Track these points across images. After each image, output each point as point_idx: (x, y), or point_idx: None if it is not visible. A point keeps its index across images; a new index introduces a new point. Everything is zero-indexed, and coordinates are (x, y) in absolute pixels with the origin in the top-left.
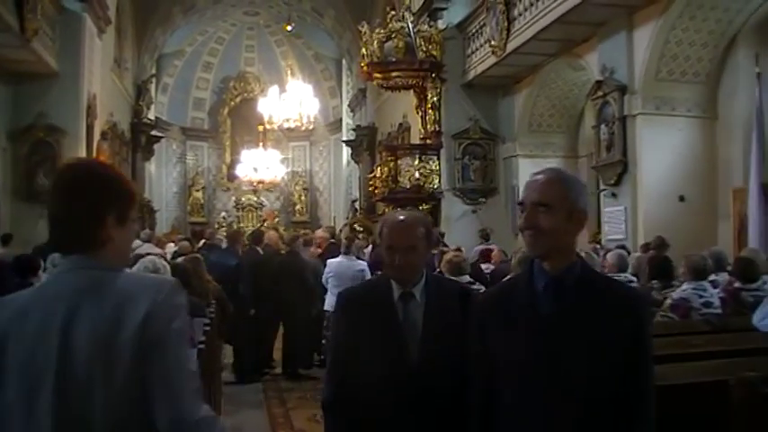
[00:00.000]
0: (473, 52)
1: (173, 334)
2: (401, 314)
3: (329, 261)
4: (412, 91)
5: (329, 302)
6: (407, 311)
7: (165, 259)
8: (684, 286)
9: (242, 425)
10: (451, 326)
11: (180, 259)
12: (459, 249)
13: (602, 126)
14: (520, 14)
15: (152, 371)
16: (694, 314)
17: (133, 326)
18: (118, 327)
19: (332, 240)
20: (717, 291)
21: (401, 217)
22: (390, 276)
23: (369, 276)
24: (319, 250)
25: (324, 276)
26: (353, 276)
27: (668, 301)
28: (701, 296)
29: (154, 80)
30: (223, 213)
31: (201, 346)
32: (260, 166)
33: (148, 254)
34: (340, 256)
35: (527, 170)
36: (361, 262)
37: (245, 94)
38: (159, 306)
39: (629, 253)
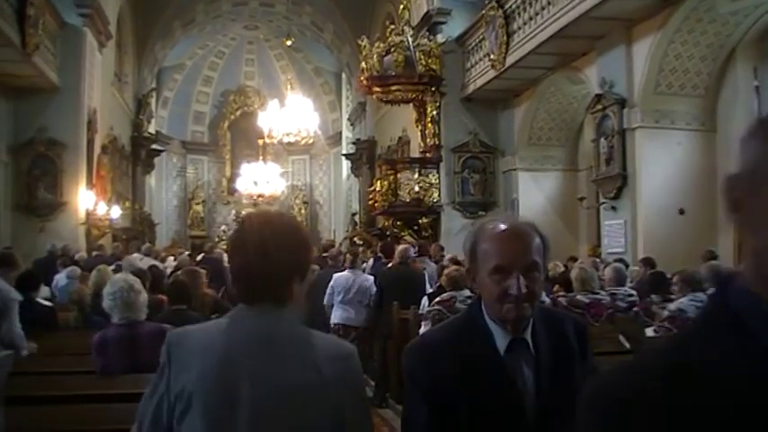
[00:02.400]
0: (472, 66)
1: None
2: (512, 372)
3: (335, 275)
4: (411, 105)
5: (339, 316)
6: (519, 368)
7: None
8: (681, 298)
9: None
10: (572, 380)
11: (181, 271)
12: (457, 262)
13: (602, 139)
14: (519, 28)
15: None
16: None
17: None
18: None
19: (323, 254)
20: None
21: (508, 224)
22: (493, 316)
23: (374, 290)
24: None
25: (328, 291)
26: (361, 290)
27: (665, 313)
28: (697, 308)
29: (154, 94)
30: (223, 227)
31: None
32: (260, 179)
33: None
34: (346, 271)
35: (527, 184)
36: (368, 276)
37: (245, 108)
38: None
39: (627, 266)
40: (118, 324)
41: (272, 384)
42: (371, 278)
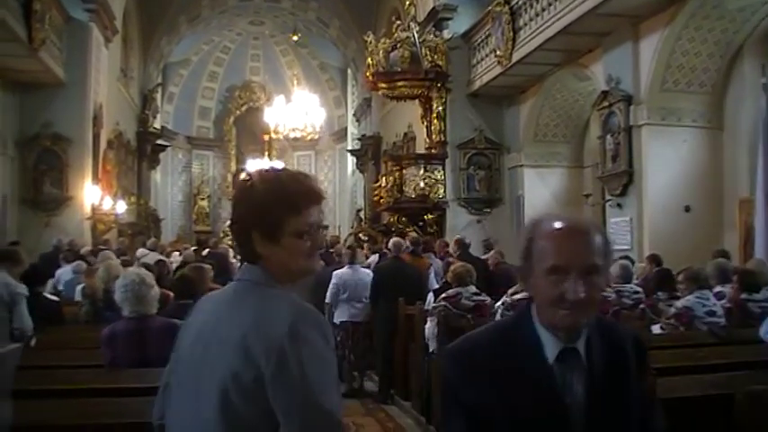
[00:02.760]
0: (478, 62)
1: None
2: (560, 384)
3: (336, 273)
4: (417, 101)
5: (346, 313)
6: (568, 381)
7: (166, 266)
8: (687, 296)
9: None
10: (625, 399)
11: (188, 267)
12: (463, 245)
13: (608, 136)
14: (525, 24)
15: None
16: (698, 323)
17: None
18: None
19: (329, 250)
20: (723, 301)
21: (568, 220)
22: (545, 321)
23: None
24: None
25: (332, 289)
26: (361, 285)
27: (672, 310)
28: (703, 305)
29: (160, 89)
30: (228, 222)
31: None
32: None
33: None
34: (345, 267)
35: (532, 180)
36: (367, 271)
37: (251, 104)
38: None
39: (633, 263)
40: (128, 318)
41: (205, 342)
42: (370, 273)
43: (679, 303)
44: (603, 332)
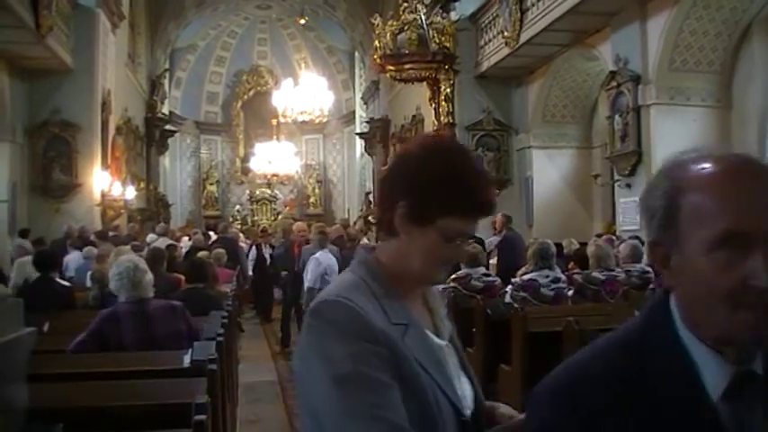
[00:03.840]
0: (486, 44)
1: None
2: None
3: (315, 257)
4: (425, 83)
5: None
6: (748, 424)
7: (177, 251)
8: None
9: (259, 417)
10: None
11: (203, 254)
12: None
13: (616, 116)
14: (533, 5)
15: None
16: None
17: None
18: None
19: (340, 235)
20: None
21: (742, 160)
22: (705, 331)
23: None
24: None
25: (316, 273)
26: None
27: None
28: None
29: (167, 75)
30: (237, 207)
31: (220, 338)
32: (274, 159)
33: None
34: (319, 252)
35: (541, 161)
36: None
37: (258, 88)
38: None
39: (643, 243)
40: (127, 302)
41: None
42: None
43: None
44: None
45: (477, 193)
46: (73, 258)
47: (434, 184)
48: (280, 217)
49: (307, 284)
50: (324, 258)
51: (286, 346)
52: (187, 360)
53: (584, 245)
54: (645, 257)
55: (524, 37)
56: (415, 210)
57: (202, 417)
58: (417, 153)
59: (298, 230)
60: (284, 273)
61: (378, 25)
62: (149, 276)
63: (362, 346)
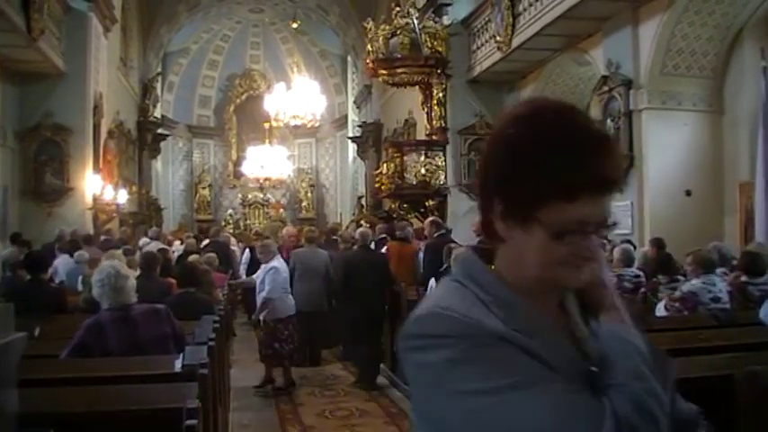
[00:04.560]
0: (478, 48)
1: None
2: None
3: (273, 265)
4: (417, 87)
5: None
6: None
7: (168, 255)
8: (694, 280)
9: (251, 421)
10: None
11: (194, 257)
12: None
13: (608, 121)
14: (525, 10)
15: None
16: (702, 309)
17: None
18: None
19: (333, 237)
20: (723, 285)
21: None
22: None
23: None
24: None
25: (275, 281)
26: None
27: (677, 293)
28: (709, 291)
29: (159, 78)
30: (230, 211)
31: (211, 343)
32: (266, 163)
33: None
34: (276, 260)
35: None
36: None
37: (251, 92)
38: None
39: (635, 248)
40: (109, 309)
41: None
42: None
43: (685, 287)
44: None
45: (585, 163)
46: (62, 263)
47: (525, 165)
48: (267, 220)
49: (263, 295)
50: (284, 268)
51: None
52: (178, 365)
53: None
54: (637, 261)
55: (516, 41)
56: (509, 204)
57: (193, 421)
58: (505, 132)
59: (288, 235)
60: None
61: (370, 29)
62: (132, 282)
63: (480, 352)
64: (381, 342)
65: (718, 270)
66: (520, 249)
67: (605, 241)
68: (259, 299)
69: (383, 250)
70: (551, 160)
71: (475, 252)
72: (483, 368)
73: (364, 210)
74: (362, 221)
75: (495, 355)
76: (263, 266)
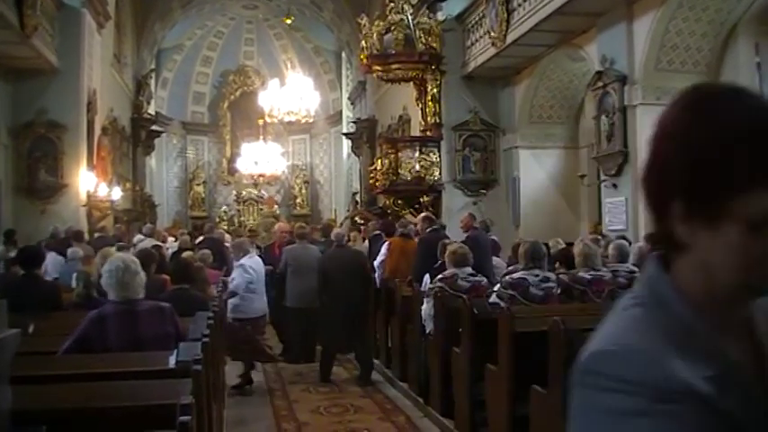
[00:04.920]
0: (473, 44)
1: None
2: None
3: (242, 263)
4: (412, 83)
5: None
6: None
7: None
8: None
9: (246, 417)
10: None
11: (188, 254)
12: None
13: (603, 117)
14: (519, 5)
15: None
16: None
17: None
18: None
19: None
20: None
21: None
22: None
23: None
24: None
25: (241, 279)
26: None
27: None
28: None
29: (153, 75)
30: (224, 207)
31: (206, 339)
32: (260, 159)
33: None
34: (246, 258)
35: (528, 161)
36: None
37: (245, 88)
38: None
39: (630, 243)
40: (114, 302)
41: None
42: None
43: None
44: None
45: None
46: (50, 260)
47: (713, 152)
48: (261, 216)
49: (228, 291)
50: (254, 265)
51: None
52: (172, 361)
53: (570, 245)
54: (631, 257)
55: (511, 37)
56: (695, 202)
57: (187, 418)
58: (679, 123)
59: (280, 230)
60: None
61: (364, 25)
62: (140, 277)
63: (658, 408)
64: (366, 339)
65: None
66: (708, 255)
67: (599, 237)
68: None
69: (383, 247)
70: (741, 144)
71: (659, 262)
72: (656, 429)
73: (359, 206)
74: (357, 218)
75: (674, 414)
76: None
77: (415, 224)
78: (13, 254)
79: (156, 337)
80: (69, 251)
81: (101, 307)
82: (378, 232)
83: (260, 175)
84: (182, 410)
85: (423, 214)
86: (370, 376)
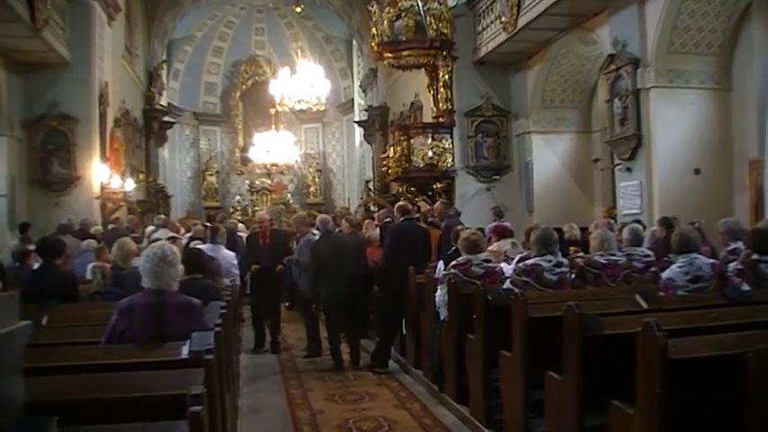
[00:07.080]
0: (484, 29)
1: None
2: None
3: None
4: (423, 70)
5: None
6: None
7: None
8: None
9: (260, 406)
10: None
11: (195, 243)
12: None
13: (616, 100)
14: None
15: None
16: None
17: None
18: None
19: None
20: (734, 263)
21: None
22: None
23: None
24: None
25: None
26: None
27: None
28: (686, 273)
29: (165, 66)
30: (237, 197)
31: (218, 329)
32: (273, 148)
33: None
34: (207, 245)
35: (540, 147)
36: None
37: (256, 78)
38: None
39: (644, 227)
40: (146, 291)
41: None
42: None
43: (665, 274)
44: None
45: None
46: None
47: None
48: (269, 204)
49: None
50: (222, 254)
51: (261, 346)
52: (185, 351)
53: (584, 230)
54: (646, 241)
55: (522, 22)
56: None
57: (198, 407)
58: None
59: (259, 220)
60: (255, 267)
61: (375, 13)
62: (175, 270)
63: None
64: (360, 324)
65: (737, 244)
66: None
67: (613, 221)
68: None
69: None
70: None
71: None
72: None
73: (372, 193)
74: (370, 205)
75: None
76: None
77: (426, 211)
78: (31, 247)
79: (180, 337)
80: (84, 243)
81: (131, 296)
82: (389, 219)
83: (273, 165)
84: (192, 400)
85: (440, 201)
86: (359, 357)
